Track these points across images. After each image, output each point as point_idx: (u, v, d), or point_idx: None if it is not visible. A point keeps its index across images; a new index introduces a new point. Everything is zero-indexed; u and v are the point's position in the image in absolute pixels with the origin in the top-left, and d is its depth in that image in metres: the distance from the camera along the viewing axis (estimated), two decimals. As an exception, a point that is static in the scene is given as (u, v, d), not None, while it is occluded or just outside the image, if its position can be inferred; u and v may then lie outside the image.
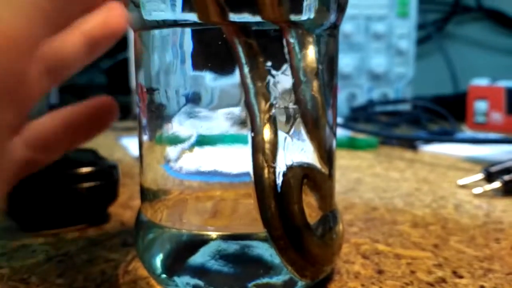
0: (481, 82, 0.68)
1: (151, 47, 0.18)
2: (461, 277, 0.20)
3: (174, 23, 0.17)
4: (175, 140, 0.18)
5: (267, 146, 0.16)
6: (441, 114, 0.66)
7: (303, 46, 0.16)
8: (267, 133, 0.16)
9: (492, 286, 0.19)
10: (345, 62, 0.78)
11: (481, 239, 0.25)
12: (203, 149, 0.18)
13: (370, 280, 0.20)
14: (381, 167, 0.44)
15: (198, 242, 0.17)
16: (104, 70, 0.93)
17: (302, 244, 0.16)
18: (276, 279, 0.17)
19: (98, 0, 0.17)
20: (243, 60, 0.16)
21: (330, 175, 0.19)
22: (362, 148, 0.53)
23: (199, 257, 0.17)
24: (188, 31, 0.17)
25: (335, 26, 0.18)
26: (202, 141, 0.18)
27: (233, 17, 0.15)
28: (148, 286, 0.19)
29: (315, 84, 0.16)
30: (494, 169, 0.35)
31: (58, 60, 0.17)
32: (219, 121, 0.17)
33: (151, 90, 0.18)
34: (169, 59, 0.18)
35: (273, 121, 0.16)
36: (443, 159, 0.47)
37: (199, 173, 0.18)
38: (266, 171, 0.16)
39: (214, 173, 0.18)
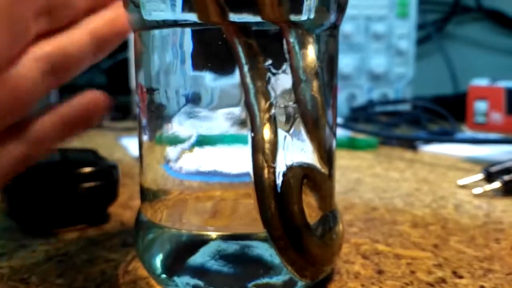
0: (481, 82, 0.68)
1: (151, 47, 0.18)
2: (461, 277, 0.20)
3: (174, 23, 0.17)
4: (175, 140, 0.18)
5: (267, 146, 0.16)
6: (441, 114, 0.65)
7: (303, 46, 0.16)
8: (267, 133, 0.16)
9: (492, 286, 0.19)
10: (345, 62, 0.78)
11: (481, 239, 0.25)
12: (203, 149, 0.18)
13: (370, 280, 0.20)
14: (381, 167, 0.44)
15: (198, 242, 0.17)
16: (104, 70, 0.93)
17: (302, 244, 0.16)
18: (276, 279, 0.17)
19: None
20: (243, 60, 0.16)
21: (330, 175, 0.19)
22: (362, 148, 0.53)
23: (199, 257, 0.17)
24: (188, 31, 0.17)
25: (335, 26, 0.18)
26: (202, 141, 0.18)
27: (233, 17, 0.15)
28: (148, 286, 0.19)
29: (315, 84, 0.16)
30: (494, 169, 0.35)
31: (64, 59, 0.17)
32: (219, 121, 0.17)
33: (151, 90, 0.18)
34: (169, 59, 0.18)
35: (273, 120, 0.16)
36: (443, 159, 0.47)
37: (199, 173, 0.18)
38: (266, 171, 0.16)
39: (214, 173, 0.18)
